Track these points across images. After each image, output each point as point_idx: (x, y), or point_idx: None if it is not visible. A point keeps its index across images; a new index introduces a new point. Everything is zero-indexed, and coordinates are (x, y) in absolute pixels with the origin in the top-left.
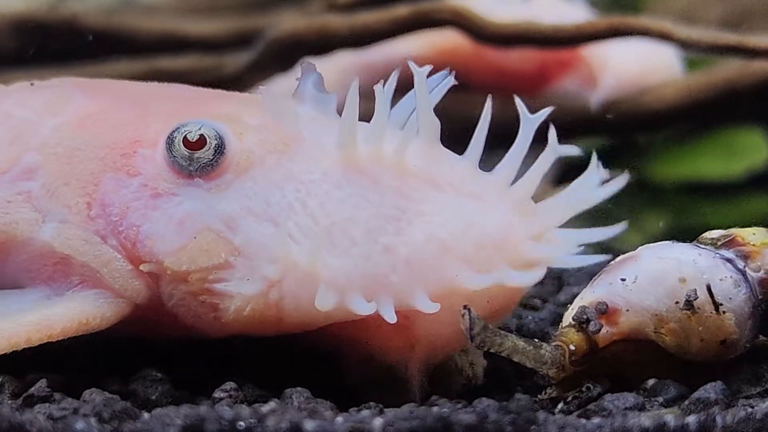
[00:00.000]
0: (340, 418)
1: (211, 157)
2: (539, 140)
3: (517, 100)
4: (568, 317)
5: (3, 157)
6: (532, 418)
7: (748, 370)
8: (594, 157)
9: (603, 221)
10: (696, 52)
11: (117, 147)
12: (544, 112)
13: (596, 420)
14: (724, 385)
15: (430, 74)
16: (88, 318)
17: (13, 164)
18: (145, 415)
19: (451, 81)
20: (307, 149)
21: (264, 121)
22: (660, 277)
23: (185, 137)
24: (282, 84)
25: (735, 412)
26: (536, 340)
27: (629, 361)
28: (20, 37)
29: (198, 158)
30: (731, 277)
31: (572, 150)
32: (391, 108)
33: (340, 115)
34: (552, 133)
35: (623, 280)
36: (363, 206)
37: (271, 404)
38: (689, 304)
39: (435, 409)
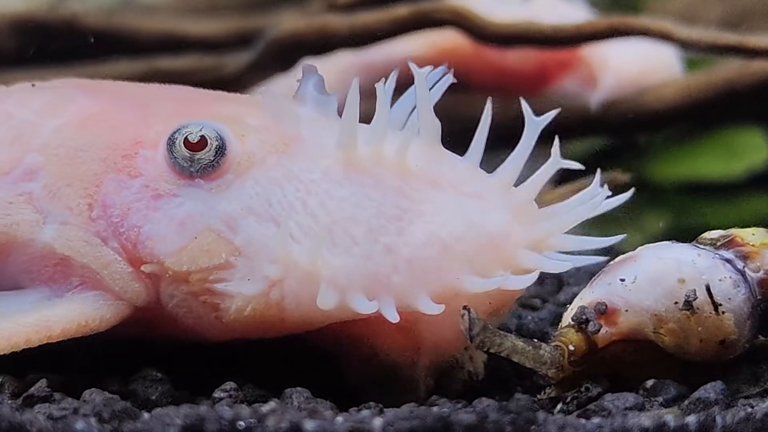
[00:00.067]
0: (340, 418)
1: (212, 158)
2: (539, 141)
3: (523, 103)
4: (567, 317)
5: (4, 158)
6: (532, 418)
7: (747, 370)
8: (598, 175)
9: (603, 222)
10: (696, 52)
11: (118, 148)
12: (550, 115)
13: (596, 420)
14: (724, 384)
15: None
16: (87, 320)
17: (14, 165)
18: (145, 415)
19: (449, 79)
20: (308, 149)
21: (265, 122)
22: (659, 278)
23: (186, 138)
24: (282, 84)
25: (735, 412)
26: (535, 341)
27: (628, 361)
28: (20, 37)
29: (199, 159)
30: (730, 277)
31: (574, 165)
32: (391, 107)
33: (341, 116)
34: (555, 144)
35: (622, 280)
36: (364, 205)
37: (271, 404)
38: (688, 304)
39: (435, 409)
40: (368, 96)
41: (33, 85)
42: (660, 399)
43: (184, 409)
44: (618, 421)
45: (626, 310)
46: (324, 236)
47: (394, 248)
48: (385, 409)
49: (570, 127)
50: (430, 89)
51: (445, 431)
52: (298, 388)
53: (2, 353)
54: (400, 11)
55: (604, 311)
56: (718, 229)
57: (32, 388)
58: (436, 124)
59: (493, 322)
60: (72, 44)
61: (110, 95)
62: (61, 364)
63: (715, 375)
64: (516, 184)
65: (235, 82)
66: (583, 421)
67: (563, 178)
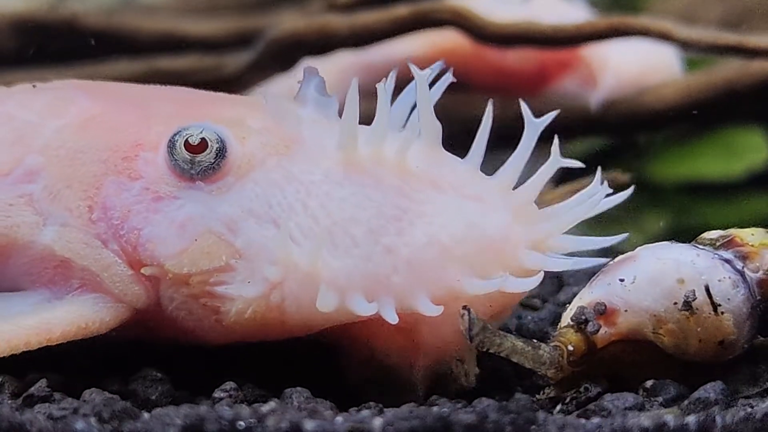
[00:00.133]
0: (339, 418)
1: (213, 161)
2: (539, 141)
3: (523, 105)
4: (566, 318)
5: (5, 159)
6: (532, 417)
7: (746, 370)
8: (598, 173)
9: (603, 221)
10: (696, 52)
11: (119, 150)
12: (549, 117)
13: (596, 420)
14: (724, 384)
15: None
16: (87, 322)
17: (15, 166)
18: (145, 415)
19: (449, 78)
20: (308, 151)
21: (266, 124)
22: (658, 278)
23: (187, 140)
24: (282, 84)
25: (735, 412)
26: (535, 341)
27: (627, 361)
28: (20, 37)
29: (199, 162)
30: (730, 277)
31: (575, 164)
32: (391, 106)
33: (341, 114)
34: (555, 143)
35: (622, 280)
36: (364, 206)
37: (271, 404)
38: (687, 304)
39: (435, 408)
40: (368, 96)
41: (34, 86)
42: (660, 399)
43: (184, 409)
44: (618, 421)
45: (625, 311)
46: (324, 238)
47: (394, 249)
48: (384, 409)
49: (570, 127)
50: (430, 88)
51: (445, 431)
52: (298, 388)
53: (2, 356)
54: (400, 11)
55: (603, 311)
56: (718, 229)
57: (32, 388)
58: (437, 126)
59: (493, 324)
60: (72, 44)
61: (111, 96)
62: (61, 364)
63: (714, 375)
64: (516, 185)
65: (235, 83)
66: (583, 421)
67: (563, 177)
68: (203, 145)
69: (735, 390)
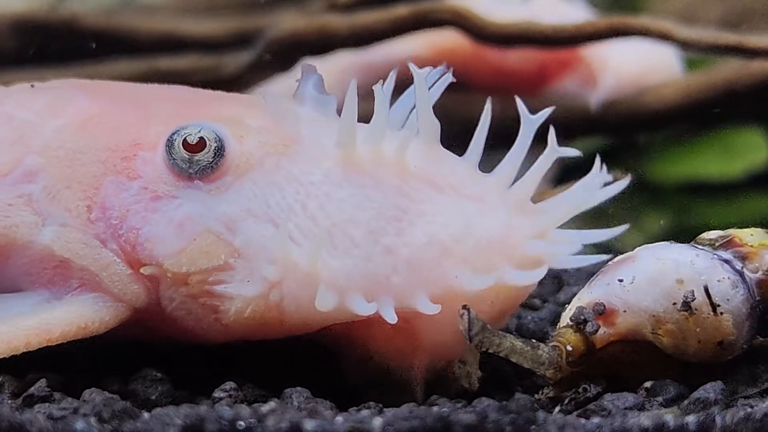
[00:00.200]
0: (339, 418)
1: (211, 160)
2: (538, 141)
3: (518, 101)
4: (565, 318)
5: (4, 159)
6: (532, 417)
7: (745, 371)
8: (597, 160)
9: (603, 221)
10: (696, 52)
11: (117, 150)
12: (545, 113)
13: (596, 420)
14: (724, 384)
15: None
16: (87, 322)
17: (14, 167)
18: (145, 414)
19: (449, 78)
20: (307, 150)
21: (264, 123)
22: (657, 278)
23: (185, 140)
24: (282, 84)
25: (734, 412)
26: (534, 341)
27: (626, 361)
28: (20, 37)
29: (198, 161)
30: (729, 278)
31: (572, 152)
32: (391, 106)
33: (340, 114)
34: (552, 133)
35: (621, 280)
36: (363, 206)
37: (271, 404)
38: (687, 305)
39: (435, 408)
40: (368, 96)
41: (32, 86)
42: (660, 399)
43: (184, 409)
44: (618, 421)
45: (624, 311)
46: (324, 238)
47: (393, 249)
48: (384, 409)
49: (570, 127)
50: (429, 88)
51: (445, 431)
52: (298, 388)
53: (2, 356)
54: (400, 11)
55: (602, 312)
56: (717, 229)
57: (32, 388)
58: (436, 125)
59: (499, 324)
60: (72, 44)
61: (110, 96)
62: (61, 364)
63: (713, 376)
64: (513, 183)
65: (235, 82)
66: (582, 420)
67: (563, 177)
68: (201, 144)
69: (734, 390)
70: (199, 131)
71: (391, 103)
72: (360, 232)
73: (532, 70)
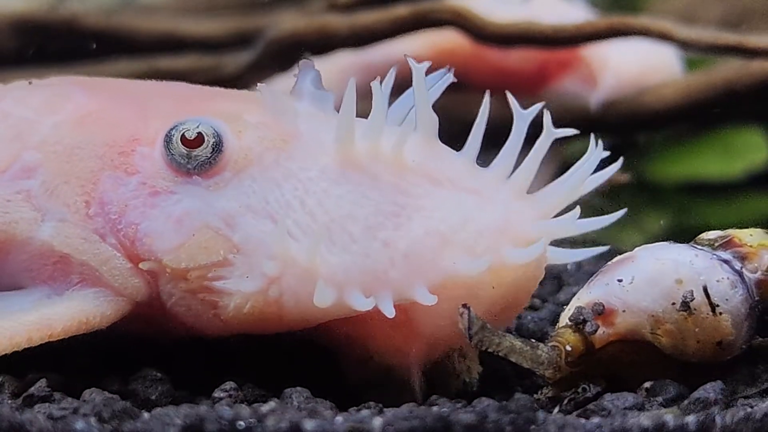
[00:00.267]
0: (339, 418)
1: (209, 155)
2: (534, 138)
3: (510, 96)
4: (564, 318)
5: (2, 155)
6: (532, 417)
7: (744, 371)
8: (593, 139)
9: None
10: (696, 52)
11: (116, 145)
12: (537, 107)
13: (596, 420)
14: (724, 384)
15: (428, 73)
16: (88, 317)
17: (12, 163)
18: (145, 414)
19: (450, 78)
20: (306, 146)
21: (262, 118)
22: (657, 278)
23: (183, 135)
24: (282, 84)
25: (734, 412)
26: (533, 341)
27: (626, 361)
28: (20, 37)
29: (196, 156)
30: (728, 278)
31: (568, 132)
32: (389, 106)
33: (339, 112)
34: (547, 116)
35: (620, 280)
36: (361, 203)
37: (271, 404)
38: (686, 305)
39: (435, 408)
40: (367, 96)
41: (30, 83)
42: (659, 399)
43: (184, 409)
44: (618, 421)
45: (623, 311)
46: (322, 234)
47: (391, 243)
48: (384, 409)
49: (570, 127)
50: (430, 89)
51: (445, 431)
52: (298, 388)
53: (4, 352)
54: (400, 11)
55: (601, 312)
56: (717, 229)
57: (32, 388)
58: (434, 119)
59: (508, 319)
60: (72, 44)
61: (108, 92)
62: (61, 363)
63: (712, 376)
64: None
65: (235, 82)
66: (582, 420)
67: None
68: (200, 139)
69: (733, 390)
70: (198, 126)
71: (391, 103)
72: (358, 227)
73: (532, 70)
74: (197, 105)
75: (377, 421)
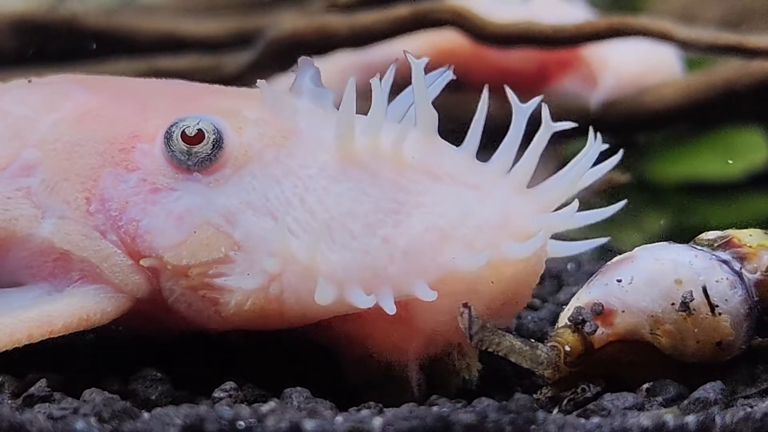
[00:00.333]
0: (339, 418)
1: (210, 152)
2: (533, 134)
3: (508, 90)
4: (563, 318)
5: (2, 153)
6: (532, 417)
7: (744, 371)
8: (591, 132)
9: (602, 221)
10: (696, 52)
11: (116, 142)
12: (535, 101)
13: (595, 420)
14: (723, 384)
15: (427, 72)
16: (88, 313)
17: (12, 160)
18: (145, 414)
19: (449, 75)
20: (305, 143)
21: (262, 115)
22: (656, 279)
23: (183, 132)
24: (282, 83)
25: (734, 411)
26: (533, 341)
27: (625, 362)
28: (20, 37)
29: (196, 153)
30: (727, 278)
31: (567, 125)
32: (389, 104)
33: (338, 110)
34: (545, 110)
35: (619, 281)
36: (361, 200)
37: (271, 404)
38: (685, 305)
39: (435, 408)
40: (367, 95)
41: (29, 81)
42: (659, 399)
43: (184, 409)
44: (617, 421)
45: (623, 311)
46: (322, 232)
47: (390, 239)
48: (384, 409)
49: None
50: (430, 86)
51: (445, 431)
52: (298, 388)
53: (4, 349)
54: (400, 11)
55: (600, 312)
56: (717, 229)
57: (32, 388)
58: (433, 115)
59: (509, 315)
60: (72, 44)
61: (107, 90)
62: (61, 363)
63: (711, 376)
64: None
65: (235, 82)
66: (582, 420)
67: None
68: (200, 136)
69: (733, 390)
70: (198, 123)
71: (390, 101)
72: (358, 225)
73: (532, 70)
74: (197, 102)
75: (377, 421)
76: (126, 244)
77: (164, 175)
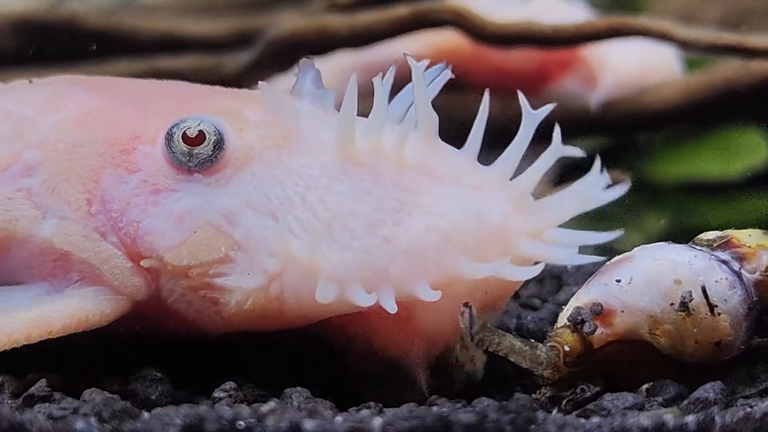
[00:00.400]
0: (339, 418)
1: (210, 153)
2: (539, 138)
3: (521, 96)
4: (563, 318)
5: (3, 153)
6: (532, 417)
7: (743, 371)
8: (597, 161)
9: (603, 221)
10: (696, 52)
11: (117, 143)
12: (547, 108)
13: (595, 419)
14: (723, 384)
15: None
16: (87, 315)
17: (13, 161)
18: (145, 414)
19: (447, 74)
20: (306, 144)
21: (263, 117)
22: (655, 279)
23: (184, 133)
24: (282, 84)
25: (734, 411)
26: (532, 341)
27: (624, 362)
28: (20, 37)
29: (197, 154)
30: (726, 278)
31: (576, 151)
32: (389, 103)
33: (339, 111)
34: (557, 132)
35: (618, 281)
36: (362, 199)
37: (271, 404)
38: (684, 305)
39: (435, 408)
40: (367, 95)
41: (31, 82)
42: (659, 399)
43: (184, 408)
44: (617, 421)
45: (622, 311)
46: (323, 231)
47: (392, 239)
48: (384, 409)
49: (570, 127)
50: (428, 85)
51: (445, 431)
52: (298, 388)
53: (2, 349)
54: (400, 11)
55: (599, 312)
56: (717, 229)
57: (32, 388)
58: (434, 118)
59: (490, 319)
60: (72, 44)
61: (108, 91)
62: (61, 363)
63: (710, 376)
64: (513, 177)
65: (235, 82)
66: (582, 420)
67: (563, 176)
68: (201, 137)
69: (732, 390)
70: (199, 124)
71: (390, 98)
72: (359, 224)
73: (532, 70)
74: (198, 103)
75: (377, 421)
76: (126, 246)
77: (165, 176)
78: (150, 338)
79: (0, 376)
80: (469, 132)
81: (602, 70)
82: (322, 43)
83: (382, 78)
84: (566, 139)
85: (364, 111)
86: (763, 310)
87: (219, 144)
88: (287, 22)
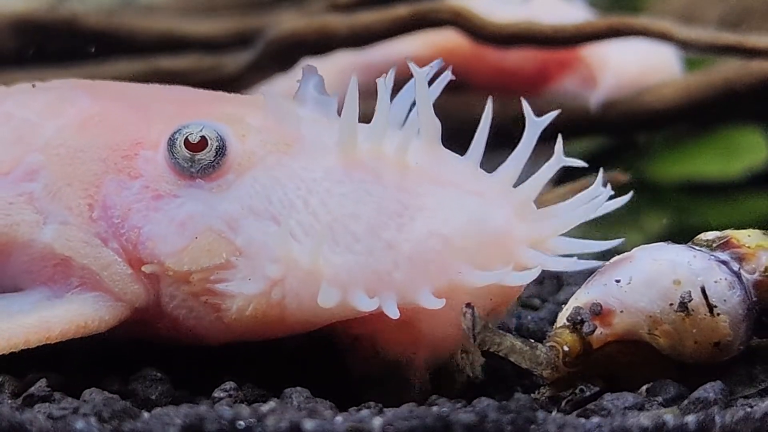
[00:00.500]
0: (339, 418)
1: (213, 159)
2: (540, 139)
3: (524, 103)
4: (562, 318)
5: (5, 158)
6: (532, 417)
7: (742, 371)
8: (600, 174)
9: (603, 220)
10: (695, 52)
11: (119, 148)
12: (551, 116)
13: (595, 419)
14: (723, 384)
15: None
16: (86, 321)
17: (15, 165)
18: (145, 414)
19: (448, 76)
20: (309, 149)
21: (266, 123)
22: (654, 279)
23: (186, 139)
24: (282, 84)
25: (734, 411)
26: (532, 341)
27: (623, 362)
28: (20, 37)
29: (199, 160)
30: (726, 279)
31: (577, 162)
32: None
33: (341, 115)
34: (559, 142)
35: (618, 281)
36: (365, 202)
37: (271, 404)
38: (683, 305)
39: (435, 408)
40: (367, 96)
41: (33, 86)
42: (659, 399)
43: (184, 408)
44: (617, 421)
45: (621, 311)
46: (325, 235)
47: (395, 244)
48: (384, 409)
49: (570, 127)
50: (429, 85)
51: (445, 431)
52: (298, 388)
53: (1, 353)
54: (400, 11)
55: (599, 312)
56: (717, 229)
57: (32, 388)
58: (436, 124)
59: (492, 321)
60: (72, 44)
61: (111, 96)
62: (61, 363)
63: (710, 376)
64: (516, 184)
65: (235, 82)
66: (582, 420)
67: (563, 177)
68: (203, 143)
69: (731, 391)
70: (201, 130)
71: (390, 100)
72: (361, 227)
73: (532, 70)
74: (200, 109)
75: (377, 421)
76: (127, 252)
77: (167, 181)
78: (150, 340)
79: (0, 376)
80: (468, 132)
81: (602, 70)
82: (322, 43)
83: (384, 79)
84: (566, 139)
85: (364, 111)
86: (762, 311)
87: (221, 150)
88: (287, 22)
